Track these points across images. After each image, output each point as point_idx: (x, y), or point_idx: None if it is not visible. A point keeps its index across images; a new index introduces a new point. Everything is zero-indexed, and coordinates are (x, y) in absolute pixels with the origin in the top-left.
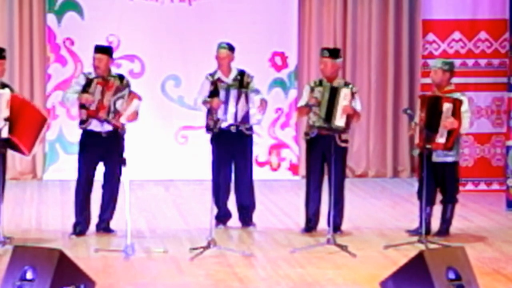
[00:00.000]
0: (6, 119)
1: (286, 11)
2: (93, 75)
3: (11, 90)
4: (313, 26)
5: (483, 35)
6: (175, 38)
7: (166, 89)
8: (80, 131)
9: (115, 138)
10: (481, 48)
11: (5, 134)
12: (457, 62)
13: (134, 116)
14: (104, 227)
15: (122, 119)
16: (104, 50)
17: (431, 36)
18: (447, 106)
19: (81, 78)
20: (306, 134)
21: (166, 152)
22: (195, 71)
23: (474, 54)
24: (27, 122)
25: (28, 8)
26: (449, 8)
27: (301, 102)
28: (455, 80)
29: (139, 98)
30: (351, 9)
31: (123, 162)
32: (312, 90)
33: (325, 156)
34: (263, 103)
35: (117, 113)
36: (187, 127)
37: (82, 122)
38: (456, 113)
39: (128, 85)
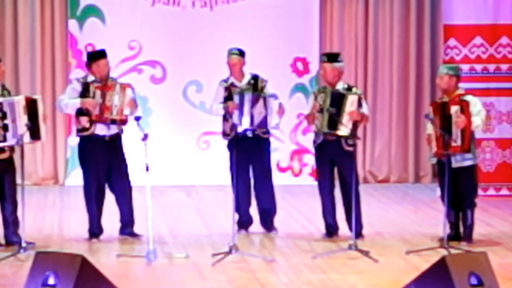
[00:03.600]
0: (28, 125)
1: (307, 16)
2: (89, 80)
3: (9, 92)
4: (335, 31)
5: (504, 40)
6: (197, 44)
7: (187, 95)
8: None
9: (118, 141)
10: (503, 53)
11: (27, 139)
12: (479, 67)
13: (133, 104)
14: (128, 232)
15: (125, 111)
16: (106, 54)
17: (452, 41)
18: (454, 109)
19: (76, 84)
20: (314, 141)
21: (188, 158)
22: (217, 77)
23: (495, 59)
24: (34, 116)
25: (50, 14)
26: (470, 13)
27: (307, 110)
28: (477, 85)
29: (130, 86)
30: (372, 14)
31: (145, 168)
32: (315, 97)
33: (333, 161)
34: (281, 107)
35: (118, 110)
36: (209, 133)
37: (83, 130)
38: (464, 113)
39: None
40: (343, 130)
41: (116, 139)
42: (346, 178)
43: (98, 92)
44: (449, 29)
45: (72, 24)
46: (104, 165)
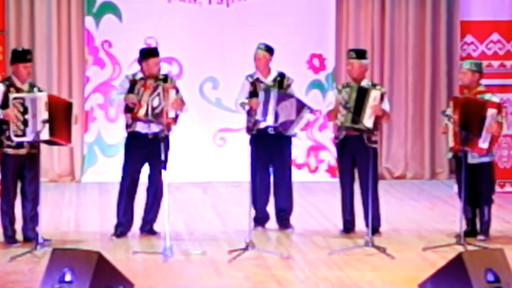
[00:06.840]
0: (45, 121)
1: (323, 13)
2: (138, 77)
3: (40, 90)
4: (351, 28)
5: None
6: (213, 40)
7: (204, 91)
8: (125, 134)
9: (162, 140)
10: None
11: (45, 136)
12: (496, 63)
13: (179, 103)
14: (148, 229)
15: (171, 114)
16: (158, 52)
17: (469, 38)
18: (491, 112)
19: (125, 81)
20: (336, 137)
21: (204, 154)
22: (233, 73)
23: None
24: (60, 116)
25: (67, 11)
26: (487, 9)
27: (330, 107)
28: (493, 82)
29: (175, 88)
30: (388, 11)
31: (163, 165)
32: (339, 92)
33: (355, 157)
34: (309, 122)
35: (159, 113)
36: (225, 129)
37: (127, 126)
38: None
39: (166, 82)
40: (367, 122)
41: (158, 137)
42: (365, 175)
43: (141, 90)
44: (466, 25)
45: (89, 21)
46: (141, 163)
